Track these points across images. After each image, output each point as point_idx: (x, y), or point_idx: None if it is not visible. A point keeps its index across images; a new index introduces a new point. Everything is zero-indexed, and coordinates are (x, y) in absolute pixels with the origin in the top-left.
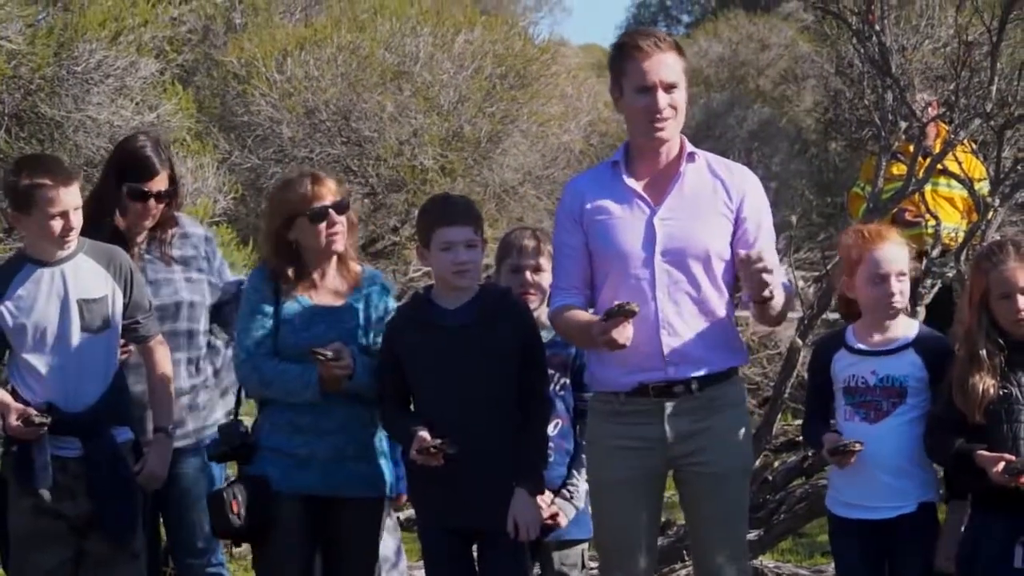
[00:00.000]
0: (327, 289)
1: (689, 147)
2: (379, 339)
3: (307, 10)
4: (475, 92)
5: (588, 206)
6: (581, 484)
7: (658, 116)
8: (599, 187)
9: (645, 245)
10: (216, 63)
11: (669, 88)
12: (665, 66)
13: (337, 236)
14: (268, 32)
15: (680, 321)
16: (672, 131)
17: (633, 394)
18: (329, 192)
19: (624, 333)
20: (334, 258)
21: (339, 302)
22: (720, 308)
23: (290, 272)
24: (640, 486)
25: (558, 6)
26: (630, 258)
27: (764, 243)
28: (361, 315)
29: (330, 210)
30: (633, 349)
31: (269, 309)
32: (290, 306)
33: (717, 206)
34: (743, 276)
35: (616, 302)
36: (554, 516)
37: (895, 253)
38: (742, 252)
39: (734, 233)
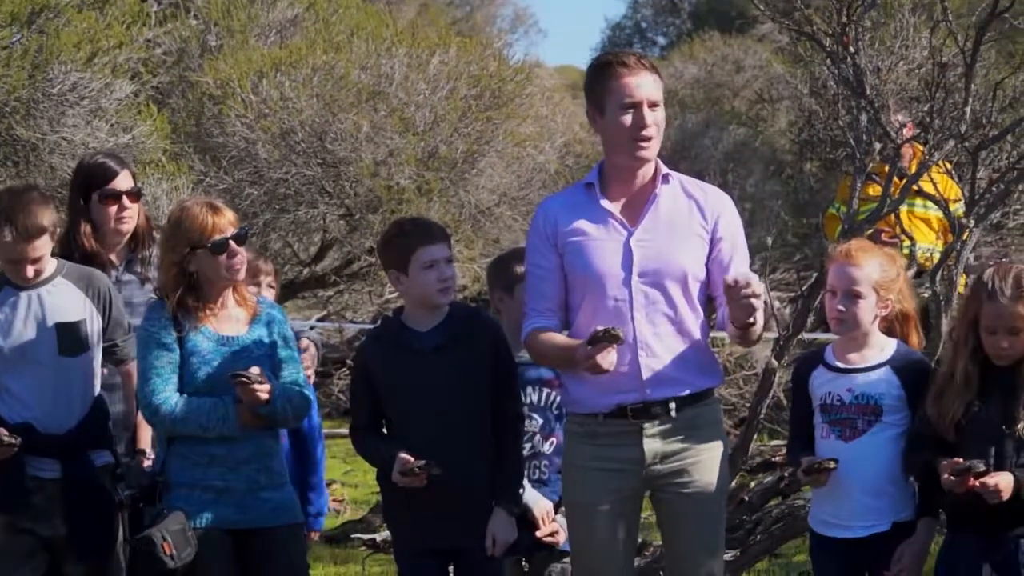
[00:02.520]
0: (228, 319)
1: (664, 169)
2: (287, 364)
3: (282, 32)
4: (450, 112)
5: (563, 228)
6: None
7: (643, 134)
8: (573, 209)
9: (622, 267)
10: (191, 84)
11: (653, 106)
12: (650, 84)
13: (238, 266)
14: (244, 53)
15: (658, 342)
16: (654, 151)
17: (611, 416)
18: (228, 222)
19: (608, 358)
20: (230, 288)
21: (242, 331)
22: (696, 329)
23: (190, 303)
24: (617, 508)
25: (533, 28)
26: (607, 279)
27: (739, 263)
28: (266, 342)
29: (231, 241)
30: (611, 370)
31: (173, 343)
32: (195, 338)
33: (693, 227)
34: (729, 301)
35: (600, 327)
36: (553, 533)
37: (845, 272)
38: (728, 277)
39: (709, 253)
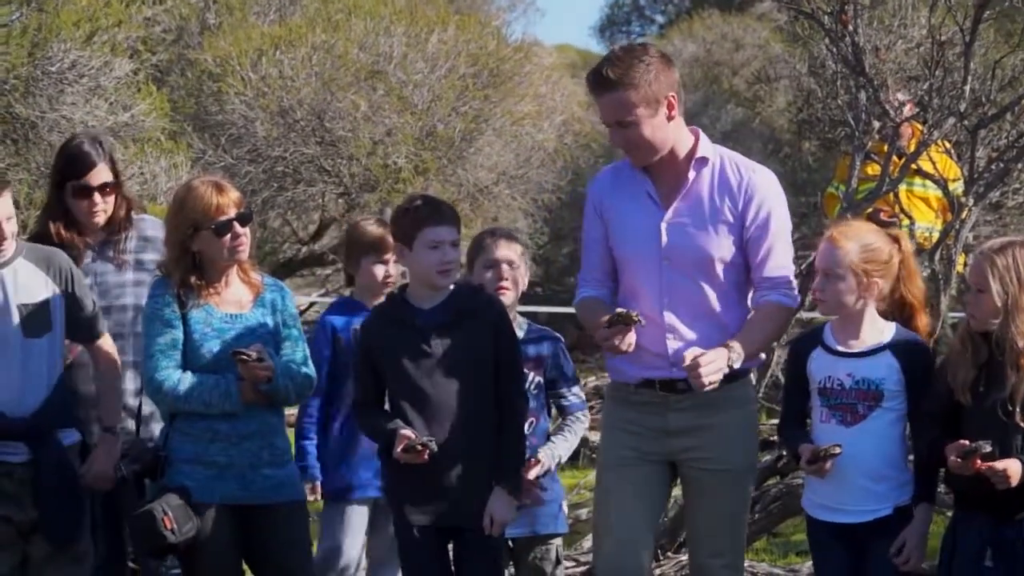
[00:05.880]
0: (231, 298)
1: (701, 150)
2: (290, 343)
3: (281, 10)
4: (448, 91)
5: (607, 202)
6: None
7: (624, 149)
8: (620, 183)
9: (652, 248)
10: (190, 63)
11: (621, 125)
12: (610, 108)
13: (241, 248)
14: (243, 31)
15: (684, 325)
16: (650, 154)
17: (641, 386)
18: (232, 203)
19: (626, 341)
20: (235, 267)
21: (246, 309)
22: (725, 312)
23: (193, 281)
24: (640, 469)
25: (531, 7)
26: (638, 260)
27: (776, 248)
28: (270, 321)
29: (235, 223)
30: (641, 348)
31: (177, 320)
32: (198, 316)
33: (723, 212)
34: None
35: (618, 310)
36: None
37: (825, 251)
38: (685, 355)
39: (742, 236)
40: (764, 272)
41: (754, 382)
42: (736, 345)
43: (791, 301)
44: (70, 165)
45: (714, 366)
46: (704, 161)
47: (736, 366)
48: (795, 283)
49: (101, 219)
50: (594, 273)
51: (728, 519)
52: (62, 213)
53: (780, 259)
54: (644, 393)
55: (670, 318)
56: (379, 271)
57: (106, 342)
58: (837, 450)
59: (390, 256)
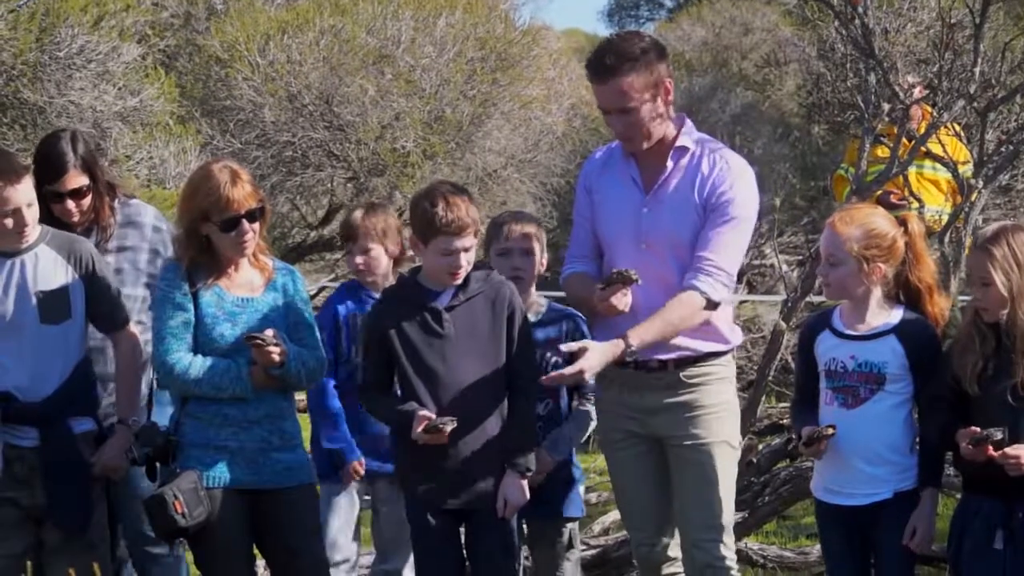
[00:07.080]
0: (242, 281)
1: (681, 139)
2: (301, 328)
3: None
4: (456, 75)
5: (594, 184)
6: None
7: (620, 137)
8: (608, 166)
9: (630, 232)
10: (198, 47)
11: (622, 112)
12: (612, 94)
13: (247, 244)
14: (250, 16)
15: (653, 308)
16: (643, 143)
17: (618, 365)
18: (245, 196)
19: (623, 300)
20: None
21: (257, 294)
22: None
23: (204, 263)
24: (633, 448)
25: None
26: (618, 243)
27: (722, 229)
28: (281, 305)
29: (243, 220)
30: (616, 330)
31: (188, 303)
32: (209, 299)
33: (695, 200)
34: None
35: (615, 269)
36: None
37: (826, 236)
38: (571, 344)
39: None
40: (701, 251)
41: (734, 364)
42: (633, 335)
43: (713, 293)
44: (42, 169)
45: (593, 361)
46: (683, 151)
47: (636, 354)
48: (730, 277)
49: (77, 219)
50: (582, 250)
51: (710, 494)
52: (43, 207)
53: (723, 245)
54: (621, 372)
55: (643, 299)
56: (349, 259)
57: (128, 332)
58: (830, 431)
59: (356, 245)
